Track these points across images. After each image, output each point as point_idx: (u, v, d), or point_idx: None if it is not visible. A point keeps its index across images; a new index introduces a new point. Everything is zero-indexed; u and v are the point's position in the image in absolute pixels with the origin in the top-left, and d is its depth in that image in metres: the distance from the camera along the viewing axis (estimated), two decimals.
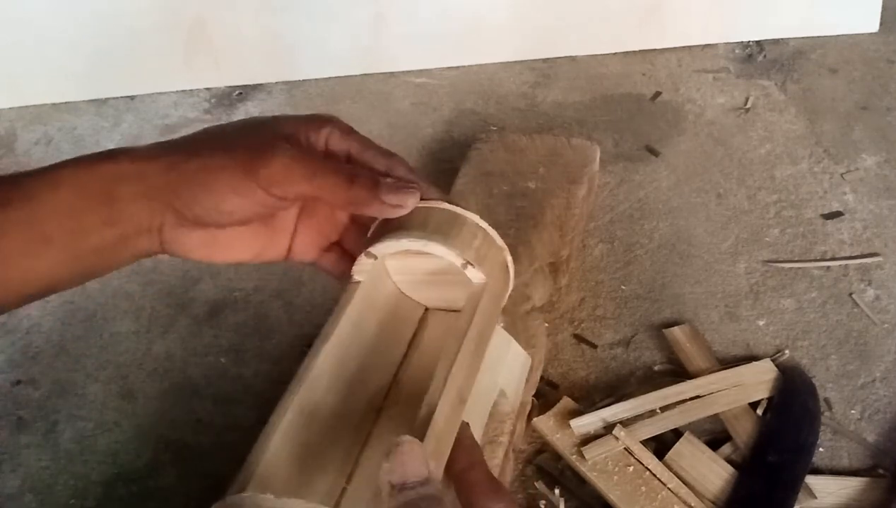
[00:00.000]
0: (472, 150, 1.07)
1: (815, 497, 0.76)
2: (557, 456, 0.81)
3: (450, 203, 0.52)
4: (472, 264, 0.49)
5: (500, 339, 0.58)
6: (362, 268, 0.51)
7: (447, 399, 0.44)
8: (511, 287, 0.55)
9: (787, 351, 0.89)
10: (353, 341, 0.50)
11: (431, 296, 0.55)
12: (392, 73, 1.35)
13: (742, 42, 1.35)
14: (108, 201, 0.45)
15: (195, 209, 0.45)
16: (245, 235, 0.49)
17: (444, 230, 0.50)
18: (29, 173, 0.45)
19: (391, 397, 0.51)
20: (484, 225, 0.52)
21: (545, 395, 0.86)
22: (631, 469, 0.78)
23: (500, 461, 0.74)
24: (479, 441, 0.50)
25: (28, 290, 0.46)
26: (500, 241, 0.52)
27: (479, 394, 0.52)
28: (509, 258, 0.53)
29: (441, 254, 0.49)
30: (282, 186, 0.45)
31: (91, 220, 0.45)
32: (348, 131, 0.51)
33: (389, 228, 0.49)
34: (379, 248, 0.49)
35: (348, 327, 0.49)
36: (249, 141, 0.46)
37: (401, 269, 0.53)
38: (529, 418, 0.83)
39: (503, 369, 0.57)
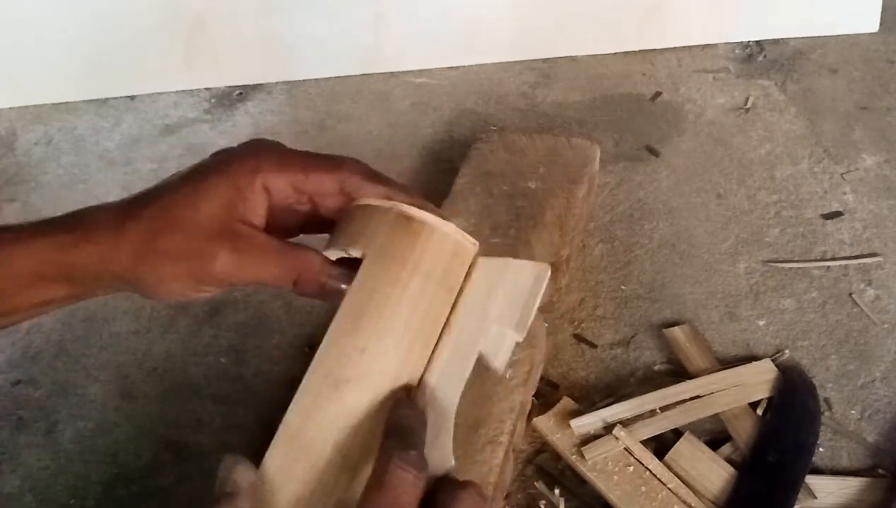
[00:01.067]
0: (472, 150, 1.07)
1: (815, 497, 0.76)
2: (557, 456, 0.81)
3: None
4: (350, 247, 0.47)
5: (484, 270, 0.49)
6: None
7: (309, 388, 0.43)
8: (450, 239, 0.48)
9: (787, 351, 0.89)
10: None
11: None
12: (392, 73, 1.35)
13: (742, 42, 1.35)
14: (68, 282, 0.47)
15: (158, 297, 0.47)
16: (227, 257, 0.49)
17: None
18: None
19: None
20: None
21: (545, 395, 0.86)
22: (631, 469, 0.78)
23: (500, 461, 0.74)
24: (454, 404, 0.45)
25: None
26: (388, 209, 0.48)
27: (452, 347, 0.46)
28: (412, 212, 0.48)
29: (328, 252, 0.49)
30: (231, 282, 0.46)
31: (53, 292, 0.47)
32: (282, 164, 0.49)
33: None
34: (331, 253, 0.48)
35: None
36: (189, 251, 0.45)
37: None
38: (529, 418, 0.83)
39: (494, 303, 0.48)
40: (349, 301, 0.46)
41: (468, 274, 0.49)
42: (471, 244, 0.49)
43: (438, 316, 0.47)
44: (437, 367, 0.46)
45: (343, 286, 0.47)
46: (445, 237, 0.47)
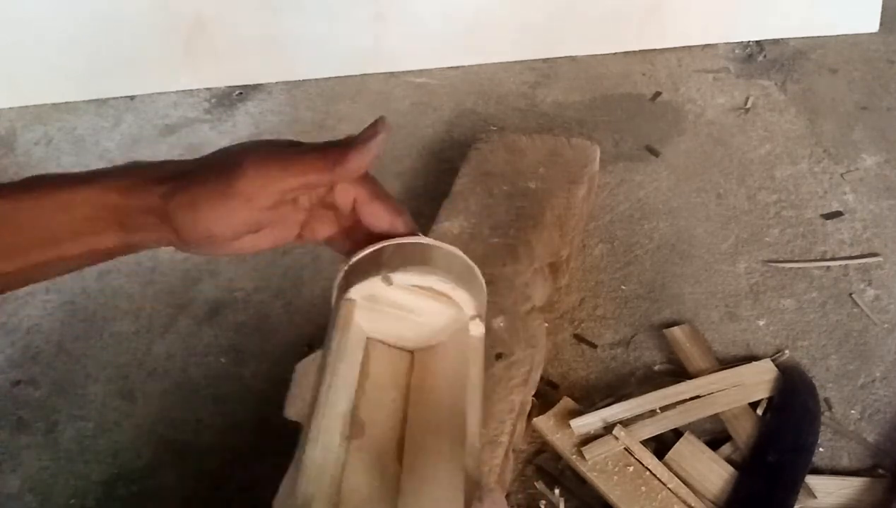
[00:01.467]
0: (472, 150, 1.07)
1: (815, 497, 0.76)
2: (557, 456, 0.81)
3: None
4: (479, 317, 0.48)
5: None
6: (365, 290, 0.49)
7: (471, 453, 0.44)
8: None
9: (787, 351, 0.89)
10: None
11: (381, 328, 0.51)
12: (392, 73, 1.35)
13: (742, 42, 1.35)
14: (121, 228, 0.47)
15: (193, 236, 0.47)
16: (251, 237, 0.49)
17: (465, 278, 0.49)
18: (13, 183, 0.47)
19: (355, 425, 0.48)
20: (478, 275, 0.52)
21: (545, 395, 0.86)
22: (631, 469, 0.78)
23: (500, 461, 0.74)
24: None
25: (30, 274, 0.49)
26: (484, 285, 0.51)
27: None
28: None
29: (463, 302, 0.48)
30: (260, 195, 0.46)
31: (104, 240, 0.48)
32: (361, 180, 0.51)
33: (402, 255, 0.48)
34: (400, 278, 0.47)
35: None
36: (219, 162, 0.47)
37: (366, 294, 0.49)
38: (529, 418, 0.83)
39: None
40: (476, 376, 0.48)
41: None
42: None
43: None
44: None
45: (372, 149, 0.49)
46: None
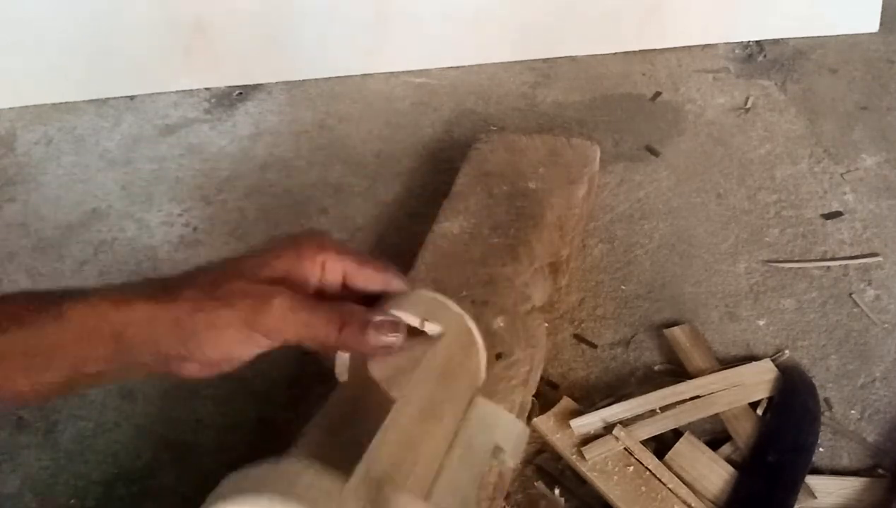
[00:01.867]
0: (472, 150, 1.07)
1: (815, 497, 0.76)
2: (557, 456, 0.81)
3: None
4: (428, 320, 0.52)
5: (488, 408, 0.58)
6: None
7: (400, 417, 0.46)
8: (482, 354, 0.56)
9: (787, 351, 0.89)
10: None
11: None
12: (392, 73, 1.35)
13: (742, 42, 1.35)
14: (115, 343, 0.47)
15: (202, 358, 0.48)
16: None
17: (434, 309, 0.55)
18: (35, 298, 0.48)
19: None
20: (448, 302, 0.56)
21: (545, 395, 0.86)
22: (631, 469, 0.78)
23: None
24: (473, 499, 0.50)
25: (11, 401, 0.49)
26: (456, 309, 0.55)
27: (470, 451, 0.53)
28: (472, 325, 0.55)
29: (400, 314, 0.52)
30: (280, 334, 0.49)
31: (96, 355, 0.47)
32: (341, 252, 0.53)
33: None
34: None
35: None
36: (248, 292, 0.48)
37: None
38: (529, 418, 0.83)
39: (498, 430, 0.58)
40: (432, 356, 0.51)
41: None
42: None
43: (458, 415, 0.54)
44: (451, 465, 0.52)
45: (388, 338, 0.50)
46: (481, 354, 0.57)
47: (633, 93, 1.28)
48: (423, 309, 0.53)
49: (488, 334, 0.54)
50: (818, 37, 1.34)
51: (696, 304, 0.96)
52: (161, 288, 0.49)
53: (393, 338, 0.50)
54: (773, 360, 0.87)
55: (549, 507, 0.78)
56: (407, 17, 1.31)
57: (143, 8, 1.27)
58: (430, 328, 0.52)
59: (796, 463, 0.78)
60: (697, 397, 0.83)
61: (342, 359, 0.51)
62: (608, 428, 0.80)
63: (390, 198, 1.13)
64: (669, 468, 0.78)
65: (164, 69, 1.33)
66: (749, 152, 1.15)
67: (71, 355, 0.46)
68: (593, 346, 0.92)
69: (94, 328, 0.47)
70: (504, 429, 0.58)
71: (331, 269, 0.52)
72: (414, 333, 0.52)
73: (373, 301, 0.54)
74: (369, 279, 0.53)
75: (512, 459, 0.56)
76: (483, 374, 0.57)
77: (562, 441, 0.80)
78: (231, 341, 0.48)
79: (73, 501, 0.83)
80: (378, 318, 0.50)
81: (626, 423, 0.81)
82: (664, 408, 0.82)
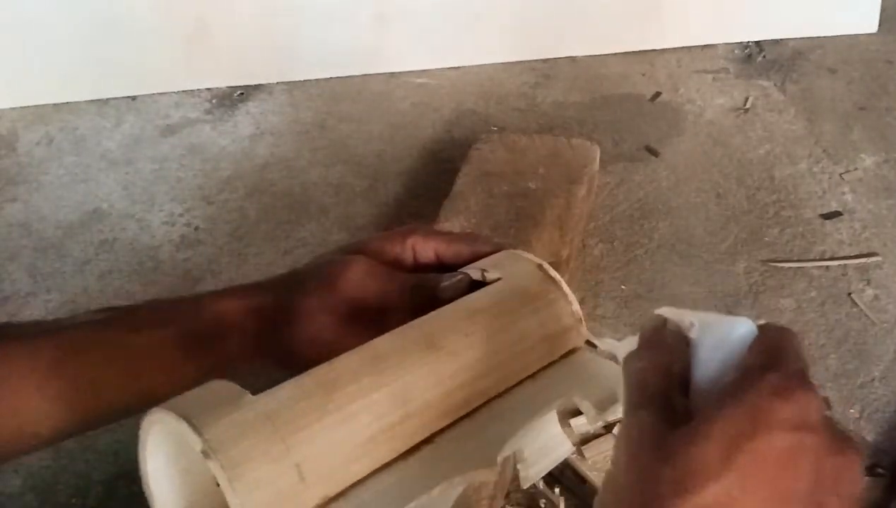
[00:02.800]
0: (472, 150, 1.07)
1: None
2: None
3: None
4: (488, 271, 0.51)
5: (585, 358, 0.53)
6: None
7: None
8: (565, 301, 0.52)
9: None
10: None
11: None
12: (392, 74, 1.35)
13: (741, 42, 1.35)
14: (252, 336, 0.49)
15: (292, 346, 0.49)
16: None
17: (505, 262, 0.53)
18: (181, 299, 0.50)
19: None
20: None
21: None
22: None
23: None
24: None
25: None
26: (530, 257, 0.53)
27: (540, 398, 0.47)
28: (550, 271, 0.53)
29: (467, 270, 0.52)
30: (357, 298, 0.49)
31: (192, 367, 0.49)
32: (429, 233, 0.55)
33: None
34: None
35: None
36: (332, 259, 0.51)
37: None
38: None
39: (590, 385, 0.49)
40: (477, 297, 0.48)
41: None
42: (582, 336, 0.52)
43: (525, 365, 0.48)
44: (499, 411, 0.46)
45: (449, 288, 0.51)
46: (567, 307, 0.52)
47: (633, 93, 1.28)
48: (491, 263, 0.52)
49: None
50: (817, 37, 1.34)
51: (696, 304, 0.96)
52: (253, 291, 0.51)
53: (451, 292, 0.51)
54: None
55: (549, 506, 0.78)
56: (407, 17, 1.31)
57: (144, 9, 1.28)
58: (491, 275, 0.51)
59: None
60: None
61: None
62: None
63: (391, 198, 1.13)
64: None
65: (165, 69, 1.34)
66: (748, 152, 1.15)
67: (161, 373, 0.48)
68: (593, 346, 0.92)
69: (189, 331, 0.49)
70: (598, 384, 0.50)
71: (421, 250, 0.54)
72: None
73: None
74: (459, 252, 0.54)
75: (592, 419, 0.48)
76: (571, 322, 0.53)
77: None
78: (321, 308, 0.49)
79: (74, 500, 0.83)
80: (445, 284, 0.51)
81: None
82: None
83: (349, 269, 0.50)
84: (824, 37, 1.34)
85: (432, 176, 1.15)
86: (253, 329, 0.50)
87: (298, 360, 0.46)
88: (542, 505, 0.78)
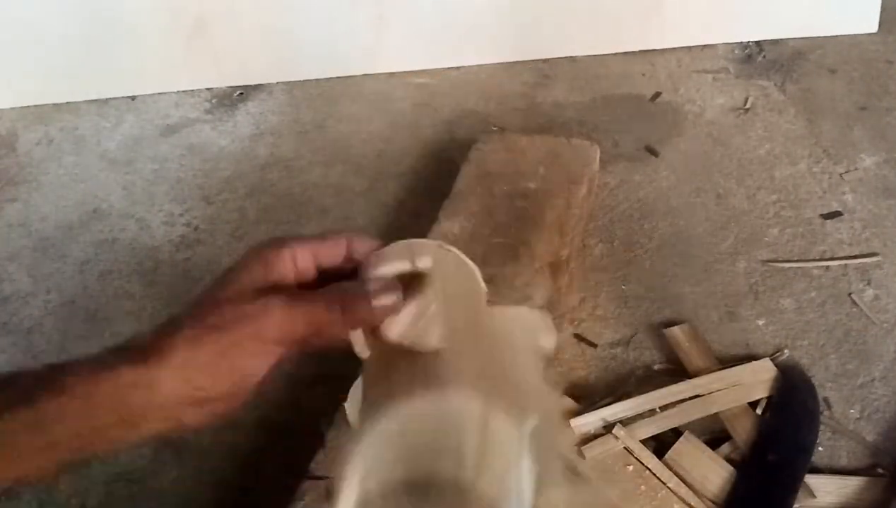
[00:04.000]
0: (472, 150, 1.07)
1: (815, 497, 0.76)
2: None
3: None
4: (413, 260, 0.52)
5: (508, 312, 0.56)
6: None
7: None
8: (475, 269, 0.55)
9: (786, 351, 0.89)
10: None
11: None
12: (393, 74, 1.35)
13: (741, 42, 1.35)
14: (120, 409, 0.46)
15: (221, 389, 0.47)
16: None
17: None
18: (32, 375, 0.46)
19: None
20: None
21: None
22: (630, 468, 0.78)
23: None
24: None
25: (21, 479, 0.46)
26: (431, 242, 0.54)
27: (517, 351, 0.52)
28: (452, 248, 0.54)
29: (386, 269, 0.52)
30: (289, 335, 0.47)
31: (102, 424, 0.46)
32: (301, 240, 0.52)
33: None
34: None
35: None
36: (243, 310, 0.47)
37: None
38: None
39: (528, 325, 0.55)
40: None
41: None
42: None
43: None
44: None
45: (388, 298, 0.49)
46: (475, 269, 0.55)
47: (633, 93, 1.28)
48: (403, 254, 0.53)
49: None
50: (817, 37, 1.34)
51: (696, 304, 0.96)
52: (154, 339, 0.46)
53: (393, 296, 0.49)
54: (772, 360, 0.87)
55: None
56: (407, 17, 1.31)
57: (144, 9, 1.28)
58: (422, 262, 0.51)
59: (796, 463, 0.78)
60: (697, 396, 0.83)
61: (357, 337, 0.50)
62: (608, 428, 0.80)
63: (391, 198, 1.13)
64: (669, 467, 0.78)
65: (165, 69, 1.34)
66: (748, 152, 1.15)
67: (74, 431, 0.45)
68: (593, 346, 0.92)
69: (93, 396, 0.45)
70: (532, 323, 0.55)
71: (301, 259, 0.51)
72: (403, 280, 0.52)
73: (351, 276, 0.53)
74: (336, 251, 0.52)
75: (549, 346, 0.53)
76: (484, 286, 0.55)
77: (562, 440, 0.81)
78: (245, 360, 0.47)
79: (74, 500, 0.83)
80: (373, 285, 0.49)
81: (625, 422, 0.81)
82: (664, 408, 0.83)
83: (271, 313, 0.47)
84: (824, 37, 1.34)
85: (432, 176, 1.15)
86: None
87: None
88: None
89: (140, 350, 0.46)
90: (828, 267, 0.99)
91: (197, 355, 0.46)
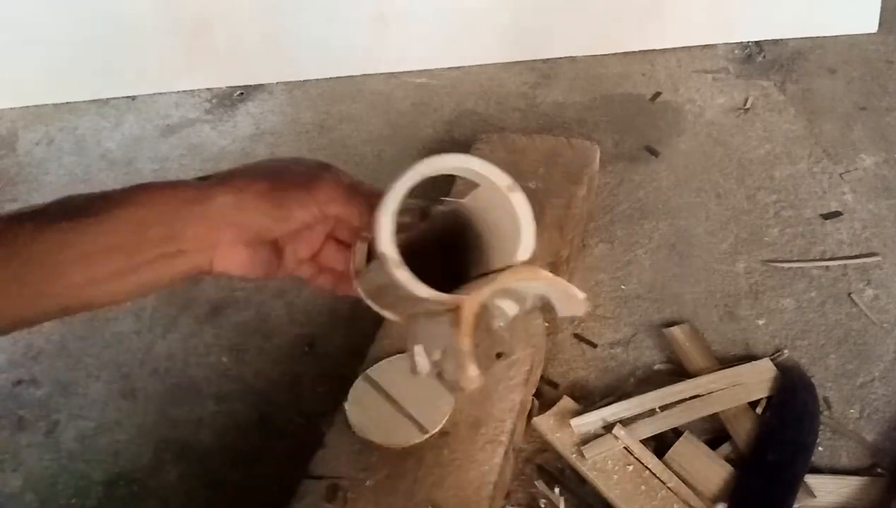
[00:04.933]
0: (472, 150, 1.07)
1: (815, 496, 0.76)
2: (557, 456, 0.81)
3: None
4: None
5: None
6: None
7: None
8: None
9: (786, 351, 0.89)
10: None
11: None
12: (392, 74, 1.35)
13: (741, 42, 1.35)
14: (173, 219, 0.49)
15: (263, 222, 0.50)
16: (265, 254, 0.53)
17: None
18: (105, 192, 0.49)
19: None
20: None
21: (545, 395, 0.87)
22: (631, 468, 0.78)
23: (500, 460, 0.74)
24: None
25: (70, 303, 0.51)
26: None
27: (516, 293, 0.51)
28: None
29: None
30: (327, 205, 0.51)
31: (154, 234, 0.48)
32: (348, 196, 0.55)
33: None
34: None
35: None
36: (304, 168, 0.53)
37: None
38: (529, 417, 0.83)
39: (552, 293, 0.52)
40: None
41: None
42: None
43: None
44: None
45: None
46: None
47: (633, 93, 1.28)
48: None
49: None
50: (817, 37, 1.34)
51: (696, 304, 0.96)
52: (222, 174, 0.51)
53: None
54: (772, 360, 0.87)
55: (549, 506, 0.78)
56: (407, 17, 1.31)
57: (144, 9, 1.28)
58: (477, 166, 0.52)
59: (795, 462, 0.78)
60: (697, 396, 0.83)
61: (360, 249, 0.52)
62: (608, 428, 0.80)
63: None
64: (669, 467, 0.78)
65: (165, 69, 1.34)
66: (748, 152, 1.15)
67: (130, 238, 0.47)
68: (593, 346, 0.92)
69: (154, 204, 0.48)
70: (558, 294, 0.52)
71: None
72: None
73: None
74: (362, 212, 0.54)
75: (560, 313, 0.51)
76: (528, 238, 0.53)
77: (562, 440, 0.81)
78: (291, 203, 0.50)
79: (74, 500, 0.83)
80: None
81: (625, 422, 0.81)
82: (664, 408, 0.83)
83: (323, 175, 0.52)
84: (824, 37, 1.34)
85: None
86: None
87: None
88: (543, 505, 0.78)
89: (204, 178, 0.50)
90: (828, 267, 0.99)
91: (252, 185, 0.50)
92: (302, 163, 0.54)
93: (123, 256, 0.47)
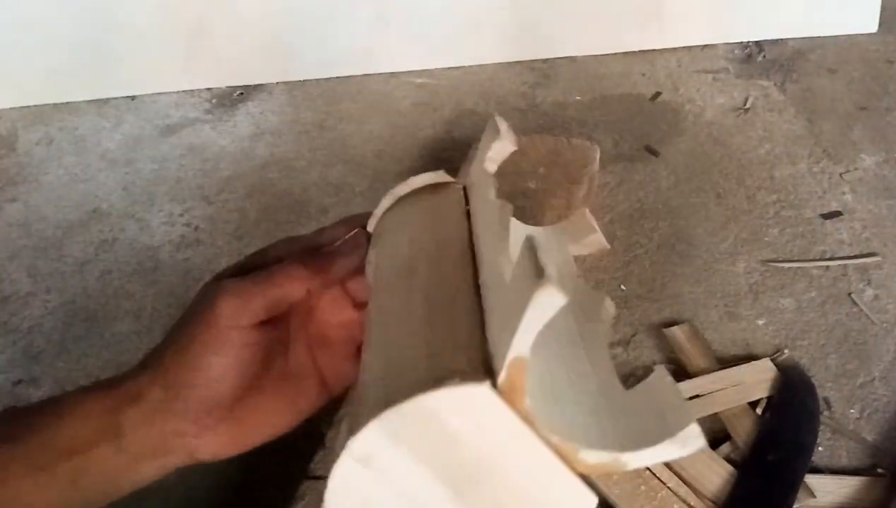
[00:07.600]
0: (472, 151, 1.07)
1: (815, 496, 0.76)
2: None
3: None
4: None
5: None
6: None
7: None
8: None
9: (786, 351, 0.89)
10: None
11: None
12: (392, 74, 1.35)
13: (741, 42, 1.35)
14: (114, 428, 0.44)
15: (198, 393, 0.43)
16: (267, 401, 0.47)
17: None
18: (32, 406, 0.45)
19: None
20: None
21: None
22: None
23: None
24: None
25: None
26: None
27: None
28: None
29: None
30: (243, 312, 0.42)
31: (98, 450, 0.44)
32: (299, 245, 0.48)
33: None
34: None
35: None
36: (191, 309, 0.44)
37: None
38: None
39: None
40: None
41: None
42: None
43: None
44: None
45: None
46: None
47: (633, 93, 1.28)
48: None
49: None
50: (817, 37, 1.34)
51: (696, 304, 0.96)
52: (138, 366, 0.44)
53: (354, 234, 0.46)
54: (772, 360, 0.87)
55: None
56: (407, 17, 1.31)
57: (144, 9, 1.28)
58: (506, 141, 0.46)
59: (795, 463, 0.78)
60: (697, 396, 0.83)
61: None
62: None
63: None
64: (669, 467, 0.78)
65: (165, 69, 1.34)
66: (748, 152, 1.15)
67: (71, 457, 0.43)
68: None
69: (88, 416, 0.43)
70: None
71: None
72: None
73: None
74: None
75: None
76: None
77: None
78: (203, 352, 0.42)
79: None
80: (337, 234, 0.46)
81: None
82: None
83: (220, 294, 0.42)
84: (824, 37, 1.34)
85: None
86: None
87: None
88: None
89: (116, 380, 0.44)
90: (828, 267, 0.99)
91: (162, 361, 0.42)
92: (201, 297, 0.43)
93: (63, 482, 0.44)
